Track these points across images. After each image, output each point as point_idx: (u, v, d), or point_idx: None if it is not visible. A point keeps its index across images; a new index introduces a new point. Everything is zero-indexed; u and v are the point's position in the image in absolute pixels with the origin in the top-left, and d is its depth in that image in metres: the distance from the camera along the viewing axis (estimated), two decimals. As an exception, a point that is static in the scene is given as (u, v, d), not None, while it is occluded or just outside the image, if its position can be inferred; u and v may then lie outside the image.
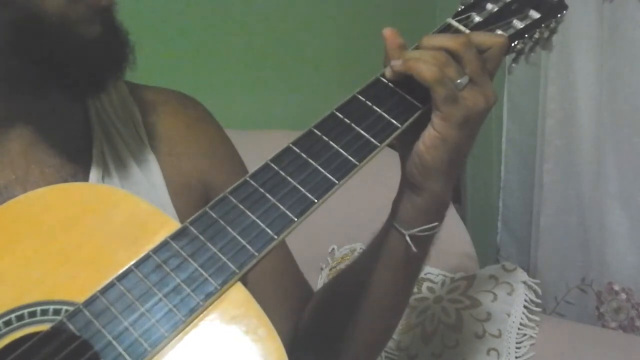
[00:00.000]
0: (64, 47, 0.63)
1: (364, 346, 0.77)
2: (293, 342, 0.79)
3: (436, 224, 0.67)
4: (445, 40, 0.63)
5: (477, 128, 0.65)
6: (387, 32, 0.65)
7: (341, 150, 0.60)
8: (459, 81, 0.62)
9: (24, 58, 0.65)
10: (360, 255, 0.77)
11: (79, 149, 0.72)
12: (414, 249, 0.67)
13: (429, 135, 0.63)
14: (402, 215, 0.68)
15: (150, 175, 0.74)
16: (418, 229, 0.67)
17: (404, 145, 0.66)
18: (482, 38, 0.65)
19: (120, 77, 0.69)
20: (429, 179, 0.65)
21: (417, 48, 0.65)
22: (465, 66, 0.63)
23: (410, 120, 0.63)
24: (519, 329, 1.14)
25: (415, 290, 1.14)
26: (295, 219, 0.57)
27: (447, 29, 0.68)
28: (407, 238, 0.67)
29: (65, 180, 0.69)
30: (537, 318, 1.15)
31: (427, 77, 0.61)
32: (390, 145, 0.64)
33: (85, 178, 0.70)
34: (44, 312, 0.54)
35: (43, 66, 0.65)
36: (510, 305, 1.15)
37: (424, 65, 0.61)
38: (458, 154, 0.64)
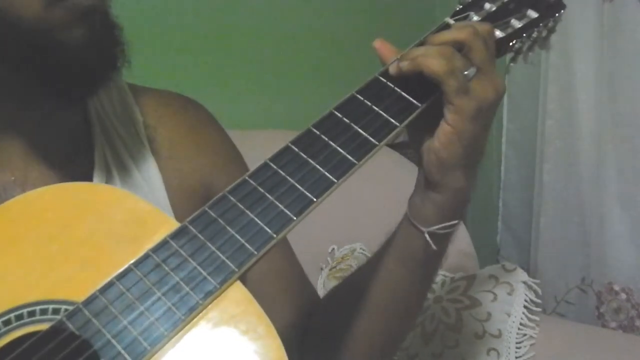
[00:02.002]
0: (47, 52, 0.62)
1: (378, 346, 0.76)
2: (305, 342, 0.78)
3: (457, 221, 0.67)
4: (454, 34, 0.63)
5: (490, 119, 0.65)
6: (377, 43, 0.66)
7: (340, 149, 0.60)
8: (466, 72, 0.62)
9: (7, 66, 0.64)
10: (375, 255, 0.76)
11: (79, 151, 0.72)
12: (433, 246, 0.66)
13: (443, 131, 0.62)
14: (421, 213, 0.67)
15: (150, 179, 0.73)
16: (438, 226, 0.66)
17: (418, 144, 0.66)
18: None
19: (114, 78, 0.67)
20: (448, 176, 0.64)
21: (420, 45, 0.65)
22: (473, 56, 0.62)
23: (409, 119, 0.63)
24: (519, 329, 1.13)
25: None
26: (294, 218, 0.57)
27: (445, 28, 0.68)
28: (427, 235, 0.66)
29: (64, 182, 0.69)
30: (537, 318, 1.15)
31: (437, 70, 0.60)
32: (392, 146, 0.64)
33: (87, 179, 0.70)
34: (43, 312, 0.54)
35: (28, 73, 0.64)
36: (510, 305, 1.15)
37: (432, 59, 0.61)
38: (474, 147, 0.64)
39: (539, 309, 1.17)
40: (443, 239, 0.68)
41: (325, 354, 0.78)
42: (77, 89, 0.66)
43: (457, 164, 0.64)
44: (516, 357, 1.11)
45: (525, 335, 1.13)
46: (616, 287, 1.52)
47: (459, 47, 0.63)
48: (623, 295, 1.51)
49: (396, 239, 0.71)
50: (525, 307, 1.15)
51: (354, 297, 0.76)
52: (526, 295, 1.16)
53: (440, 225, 0.66)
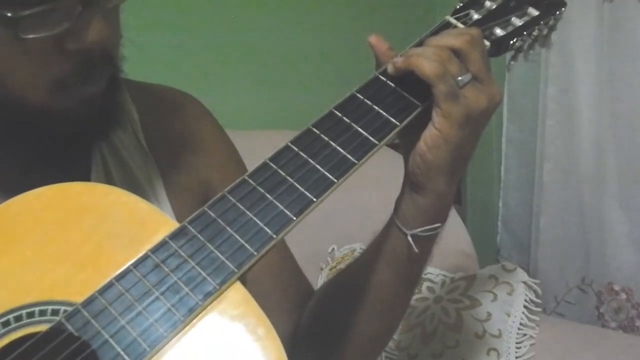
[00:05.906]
0: (43, 126, 0.62)
1: (364, 345, 0.77)
2: (294, 340, 0.78)
3: (439, 224, 0.67)
4: (450, 39, 0.63)
5: (480, 128, 0.64)
6: (373, 39, 0.66)
7: (340, 148, 0.60)
8: (460, 78, 0.61)
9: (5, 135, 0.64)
10: (362, 254, 0.76)
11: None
12: (415, 249, 0.67)
13: (430, 134, 0.62)
14: (405, 215, 0.68)
15: (148, 176, 0.73)
16: (420, 229, 0.66)
17: (407, 145, 0.66)
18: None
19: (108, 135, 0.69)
20: (431, 179, 0.64)
21: (419, 46, 0.65)
22: (469, 64, 0.62)
23: (409, 118, 0.62)
24: (519, 329, 1.14)
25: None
26: (294, 218, 0.57)
27: (446, 26, 0.68)
28: (409, 238, 0.67)
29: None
30: (537, 318, 1.15)
31: (427, 73, 0.61)
32: (392, 146, 0.64)
33: (85, 179, 0.70)
34: (43, 313, 0.54)
35: (25, 142, 0.64)
36: (510, 305, 1.15)
37: (425, 61, 0.61)
38: (460, 153, 0.63)
39: (539, 309, 1.17)
40: (426, 242, 0.68)
41: (313, 351, 0.78)
42: (71, 152, 0.66)
43: (441, 168, 0.63)
44: (516, 357, 1.11)
45: (525, 335, 1.13)
46: (616, 287, 1.51)
47: (457, 52, 0.63)
48: (623, 295, 1.51)
49: (382, 240, 0.71)
50: (525, 307, 1.15)
51: (341, 295, 0.77)
52: (526, 295, 1.16)
53: (423, 228, 0.66)
